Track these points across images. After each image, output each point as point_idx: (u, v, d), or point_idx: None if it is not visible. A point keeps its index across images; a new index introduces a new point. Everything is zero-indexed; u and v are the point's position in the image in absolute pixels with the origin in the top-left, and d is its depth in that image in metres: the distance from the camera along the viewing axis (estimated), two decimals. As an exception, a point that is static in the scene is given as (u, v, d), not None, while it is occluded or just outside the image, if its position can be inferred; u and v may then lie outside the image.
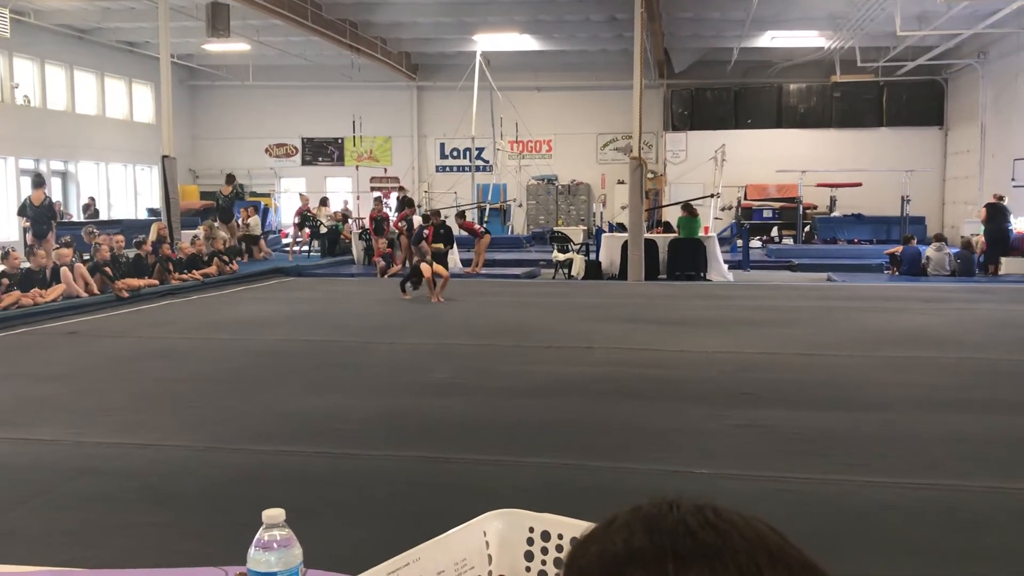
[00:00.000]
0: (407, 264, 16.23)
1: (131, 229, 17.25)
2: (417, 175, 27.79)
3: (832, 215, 24.43)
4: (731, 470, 4.70)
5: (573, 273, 16.65)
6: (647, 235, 16.48)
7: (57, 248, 12.81)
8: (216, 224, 17.76)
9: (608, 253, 16.84)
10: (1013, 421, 5.79)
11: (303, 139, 29.27)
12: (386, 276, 16.14)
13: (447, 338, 9.30)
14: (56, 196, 21.82)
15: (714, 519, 0.69)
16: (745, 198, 24.98)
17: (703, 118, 26.68)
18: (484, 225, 19.82)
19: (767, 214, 24.43)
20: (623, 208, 20.94)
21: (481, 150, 25.82)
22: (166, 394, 6.64)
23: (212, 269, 15.14)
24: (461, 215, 18.41)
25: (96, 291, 12.21)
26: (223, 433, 5.55)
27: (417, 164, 28.19)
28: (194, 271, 14.63)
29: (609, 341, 8.96)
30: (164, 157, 16.34)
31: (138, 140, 25.42)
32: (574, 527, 1.30)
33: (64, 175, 23.87)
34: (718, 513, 0.69)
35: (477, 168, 25.53)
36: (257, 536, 1.29)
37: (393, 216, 19.26)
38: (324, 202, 21.30)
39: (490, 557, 1.39)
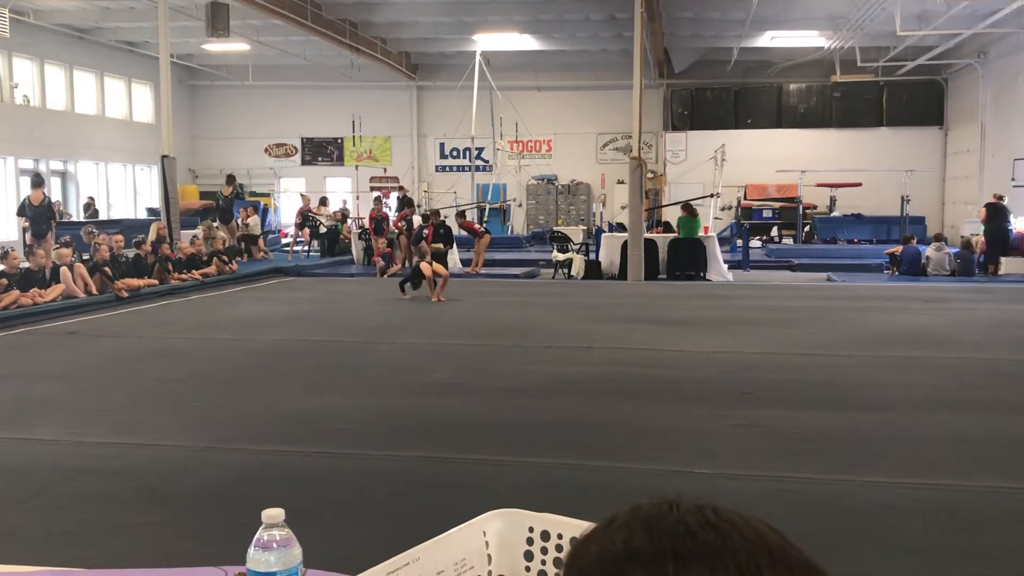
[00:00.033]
0: (406, 264, 16.24)
1: (130, 229, 17.24)
2: (417, 175, 27.78)
3: (832, 215, 24.43)
4: (731, 470, 4.69)
5: (573, 273, 16.65)
6: (647, 235, 16.48)
7: (57, 248, 12.80)
8: (215, 224, 17.76)
9: (608, 253, 16.84)
10: (1013, 421, 5.79)
11: (303, 139, 29.27)
12: (385, 276, 16.14)
13: (447, 338, 9.30)
14: (56, 196, 21.81)
15: (714, 519, 0.68)
16: (745, 198, 24.98)
17: (703, 118, 26.68)
18: (484, 225, 19.82)
19: (767, 214, 24.43)
20: (623, 208, 20.96)
21: (481, 150, 25.82)
22: (165, 394, 6.64)
23: (211, 269, 15.14)
24: (461, 215, 18.42)
25: (95, 291, 12.21)
26: (223, 433, 5.55)
27: (417, 164, 28.19)
28: (193, 271, 14.63)
29: (609, 341, 8.96)
30: (163, 157, 16.34)
31: (137, 140, 25.42)
32: (574, 527, 1.30)
33: (63, 175, 23.87)
34: (718, 513, 0.69)
35: (477, 168, 25.52)
36: (256, 536, 1.29)
37: (393, 216, 19.26)
38: (323, 202, 21.31)
39: (490, 557, 1.39)
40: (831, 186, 24.26)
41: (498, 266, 17.74)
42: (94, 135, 24.22)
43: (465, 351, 8.58)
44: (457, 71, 24.22)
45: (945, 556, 3.68)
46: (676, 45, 23.77)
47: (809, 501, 4.28)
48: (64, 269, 11.84)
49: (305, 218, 20.07)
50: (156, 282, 13.59)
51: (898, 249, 17.02)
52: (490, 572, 1.39)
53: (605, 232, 18.73)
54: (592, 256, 17.51)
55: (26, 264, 11.95)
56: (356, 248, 19.02)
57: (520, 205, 27.14)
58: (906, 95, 25.75)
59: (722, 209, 22.90)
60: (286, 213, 28.34)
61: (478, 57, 22.83)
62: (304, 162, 29.43)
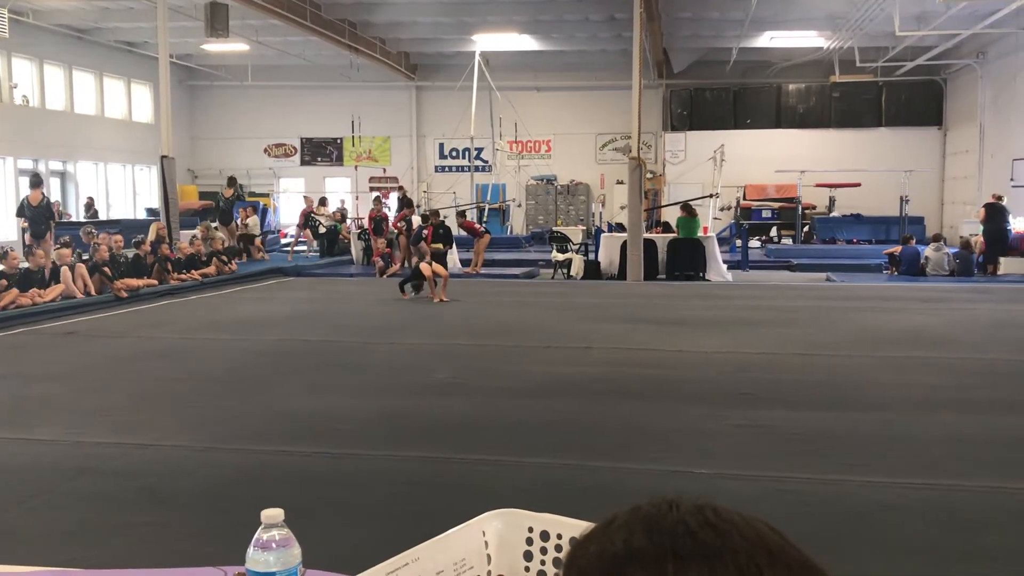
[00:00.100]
0: (406, 264, 16.24)
1: (130, 229, 17.24)
2: (416, 175, 27.78)
3: (831, 215, 24.44)
4: (731, 470, 4.70)
5: (572, 273, 16.65)
6: (646, 235, 16.48)
7: (57, 248, 12.80)
8: (214, 225, 17.76)
9: (607, 253, 16.84)
10: (1012, 421, 5.79)
11: (302, 139, 29.26)
12: (385, 276, 16.15)
13: (447, 338, 9.30)
14: (55, 196, 21.81)
15: (714, 519, 0.68)
16: (744, 198, 24.97)
17: (702, 118, 26.69)
18: (483, 225, 19.82)
19: (766, 214, 24.43)
20: (622, 208, 20.96)
21: (480, 150, 25.82)
22: (165, 394, 6.64)
23: (211, 269, 15.14)
24: (462, 215, 18.42)
25: (94, 291, 12.20)
26: (222, 433, 5.55)
27: (416, 164, 28.19)
28: (193, 271, 14.63)
29: (608, 341, 8.96)
30: (163, 157, 16.34)
31: (137, 140, 25.42)
32: (573, 527, 1.30)
33: (63, 175, 23.86)
34: (718, 513, 0.69)
35: (476, 168, 25.52)
36: (256, 536, 1.29)
37: (392, 216, 19.26)
38: (323, 202, 21.32)
39: (489, 557, 1.39)
40: (830, 186, 24.27)
41: (498, 266, 17.75)
42: (93, 135, 24.22)
43: (465, 351, 8.58)
44: (456, 71, 24.22)
45: (945, 556, 3.68)
46: (675, 45, 23.77)
47: (809, 501, 4.28)
48: (64, 269, 11.84)
49: (308, 219, 20.09)
50: (155, 282, 13.59)
51: (897, 249, 17.03)
52: (489, 572, 1.39)
53: (604, 232, 18.73)
54: (591, 256, 17.51)
55: (25, 264, 11.95)
56: (355, 248, 19.03)
57: (519, 205, 27.14)
58: (905, 95, 25.76)
59: (721, 209, 22.90)
60: (285, 213, 28.37)
61: (477, 57, 22.84)
62: (303, 162, 29.43)
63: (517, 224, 26.75)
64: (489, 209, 24.09)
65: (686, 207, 17.24)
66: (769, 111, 26.59)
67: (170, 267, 14.11)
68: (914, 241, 17.04)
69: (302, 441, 5.31)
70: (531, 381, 7.00)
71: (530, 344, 8.82)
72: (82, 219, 21.30)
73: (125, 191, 26.11)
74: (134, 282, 12.98)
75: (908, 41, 20.39)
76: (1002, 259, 16.40)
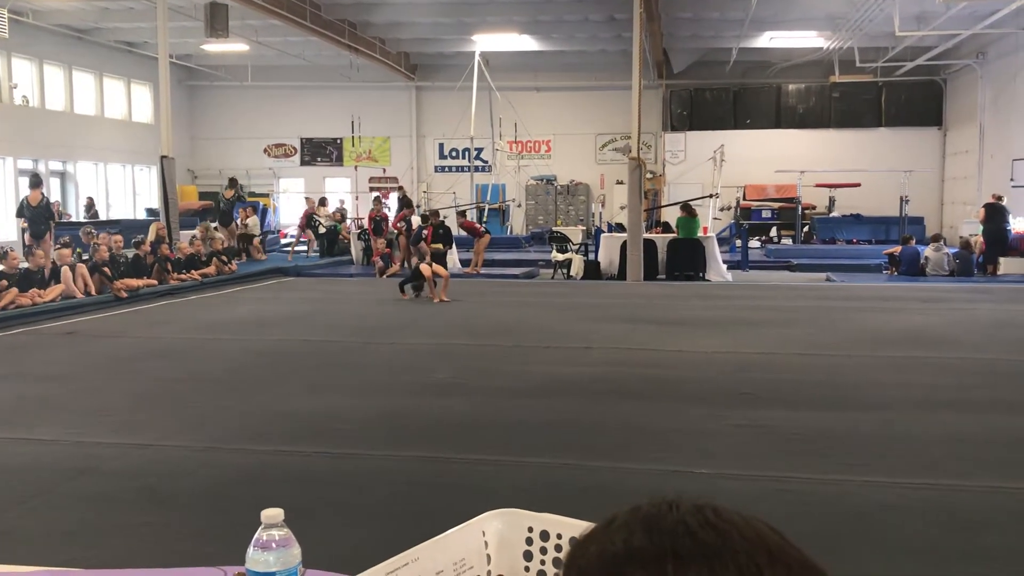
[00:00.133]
0: (405, 264, 16.24)
1: (129, 229, 17.24)
2: (416, 175, 27.78)
3: (831, 215, 24.44)
4: (731, 470, 4.70)
5: (572, 273, 16.65)
6: (646, 235, 16.48)
7: (57, 248, 12.80)
8: (214, 225, 17.76)
9: (607, 253, 16.84)
10: (1012, 421, 5.80)
11: (302, 139, 29.26)
12: (384, 276, 16.15)
13: (447, 338, 9.30)
14: (55, 196, 21.81)
15: (714, 519, 0.68)
16: (744, 198, 24.97)
17: (702, 118, 26.69)
18: (483, 225, 19.83)
19: (766, 214, 24.43)
20: (622, 208, 20.96)
21: (480, 150, 25.82)
22: (165, 394, 6.64)
23: (211, 269, 15.14)
24: (463, 214, 18.43)
25: (94, 291, 12.20)
26: (222, 433, 5.54)
27: (416, 164, 28.19)
28: (192, 271, 14.63)
29: (608, 341, 8.96)
30: (163, 157, 16.34)
31: (137, 140, 25.41)
32: (573, 527, 1.30)
33: (63, 175, 23.85)
34: (718, 513, 0.69)
35: (476, 168, 25.52)
36: (256, 536, 1.29)
37: (392, 216, 19.26)
38: (323, 202, 21.33)
39: (489, 557, 1.39)
40: (830, 186, 24.27)
41: (497, 266, 17.74)
42: (93, 135, 24.21)
43: (465, 351, 8.58)
44: (456, 71, 24.22)
45: (945, 556, 3.68)
46: (675, 46, 23.77)
47: (809, 501, 4.29)
48: (65, 269, 11.85)
49: (310, 220, 20.13)
50: (155, 282, 13.59)
51: (897, 249, 17.03)
52: (489, 572, 1.39)
53: (604, 232, 18.73)
54: (591, 256, 17.51)
55: (25, 264, 11.95)
56: (355, 248, 19.03)
57: (519, 205, 27.14)
58: (905, 95, 25.76)
59: (721, 209, 22.90)
60: (285, 213, 28.37)
61: (477, 57, 22.84)
62: (303, 162, 29.43)
63: (517, 224, 26.75)
64: (489, 209, 24.09)
65: (686, 207, 17.25)
66: (769, 111, 26.59)
67: (170, 267, 14.11)
68: (914, 241, 17.04)
69: (302, 441, 5.31)
70: (531, 381, 7.00)
71: (530, 344, 8.82)
72: (82, 219, 21.30)
73: (125, 191, 26.11)
74: (134, 282, 12.98)
75: (908, 41, 20.40)
76: (1002, 259, 16.40)
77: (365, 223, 19.06)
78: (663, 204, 23.81)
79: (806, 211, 24.01)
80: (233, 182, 19.97)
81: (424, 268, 12.37)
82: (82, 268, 12.18)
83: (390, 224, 18.31)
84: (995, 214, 16.57)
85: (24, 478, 4.66)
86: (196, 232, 16.60)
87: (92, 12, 20.83)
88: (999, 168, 20.56)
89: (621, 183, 23.23)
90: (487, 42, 23.01)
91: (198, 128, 28.91)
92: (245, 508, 3.10)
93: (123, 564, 3.40)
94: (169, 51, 17.49)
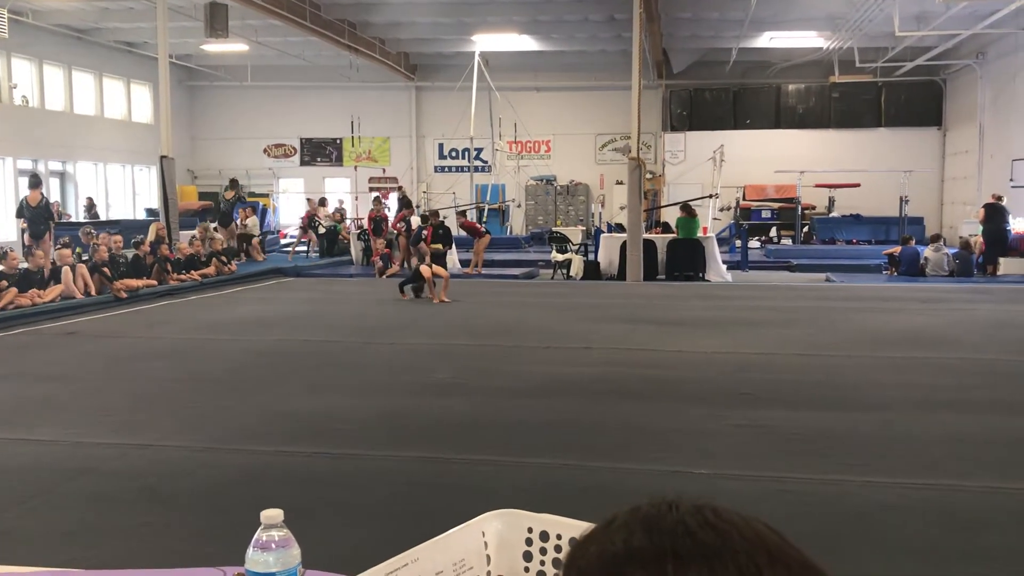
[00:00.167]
0: (405, 265, 16.24)
1: (129, 229, 17.24)
2: (416, 175, 27.79)
3: (831, 215, 24.44)
4: (731, 470, 4.70)
5: (572, 273, 16.65)
6: (646, 235, 16.48)
7: (58, 249, 12.80)
8: (213, 226, 17.76)
9: (607, 253, 16.85)
10: (1012, 421, 5.80)
11: (301, 139, 29.26)
12: (384, 276, 16.15)
13: (447, 338, 9.30)
14: (55, 196, 21.82)
15: (713, 519, 0.69)
16: (744, 198, 24.98)
17: (702, 118, 26.69)
18: (483, 225, 19.83)
19: (766, 214, 24.43)
20: (622, 208, 20.95)
21: (480, 150, 25.83)
22: (165, 394, 6.63)
23: (210, 270, 15.14)
24: (463, 214, 18.43)
25: (94, 292, 12.20)
26: (222, 433, 5.54)
27: (416, 164, 28.19)
28: (192, 272, 14.63)
29: (608, 341, 8.96)
30: (162, 157, 16.33)
31: (136, 140, 25.42)
32: (573, 527, 1.30)
33: (62, 175, 23.85)
34: (717, 513, 0.69)
35: (476, 168, 25.53)
36: (255, 536, 1.29)
37: (392, 217, 19.27)
38: (322, 202, 21.33)
39: (489, 557, 1.39)
40: (830, 187, 24.27)
41: (497, 266, 17.74)
42: (93, 136, 24.21)
43: (465, 351, 8.58)
44: (456, 71, 24.22)
45: (945, 556, 3.68)
46: (675, 46, 23.78)
47: (809, 501, 4.29)
48: (66, 269, 11.85)
49: (311, 221, 20.15)
50: (155, 283, 13.59)
51: (897, 250, 17.03)
52: (489, 573, 1.39)
53: (604, 233, 18.73)
54: (591, 257, 17.51)
55: (25, 265, 11.94)
56: (355, 249, 19.03)
57: (519, 206, 27.14)
58: (905, 96, 25.77)
59: (721, 210, 22.90)
60: (285, 214, 28.38)
61: (477, 58, 22.84)
62: (303, 163, 29.43)
63: (517, 224, 26.76)
64: (488, 209, 24.09)
65: (686, 207, 17.25)
66: (769, 111, 26.60)
67: (169, 267, 14.11)
68: (913, 241, 17.04)
69: (302, 441, 5.31)
70: (531, 381, 7.00)
71: (530, 344, 8.82)
72: (82, 220, 21.30)
73: (124, 191, 26.11)
74: (133, 282, 12.98)
75: (908, 41, 20.40)
76: (1001, 259, 16.40)
77: (365, 223, 19.06)
78: (663, 204, 23.81)
79: (806, 211, 24.01)
80: (234, 183, 19.98)
81: (424, 269, 12.37)
82: (82, 268, 12.18)
83: (390, 225, 18.30)
84: (995, 214, 16.57)
85: (24, 478, 4.66)
86: (195, 232, 16.60)
87: (92, 12, 20.83)
88: (999, 168, 20.56)
89: (621, 183, 23.22)
90: (487, 42, 23.01)
91: (198, 128, 28.91)
92: (245, 508, 3.10)
93: (123, 564, 3.40)
94: (169, 51, 17.49)
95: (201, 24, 18.02)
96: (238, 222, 19.37)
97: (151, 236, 15.01)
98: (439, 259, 13.10)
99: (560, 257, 17.16)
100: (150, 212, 23.82)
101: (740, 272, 17.43)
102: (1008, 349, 8.60)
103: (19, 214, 15.46)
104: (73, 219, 21.65)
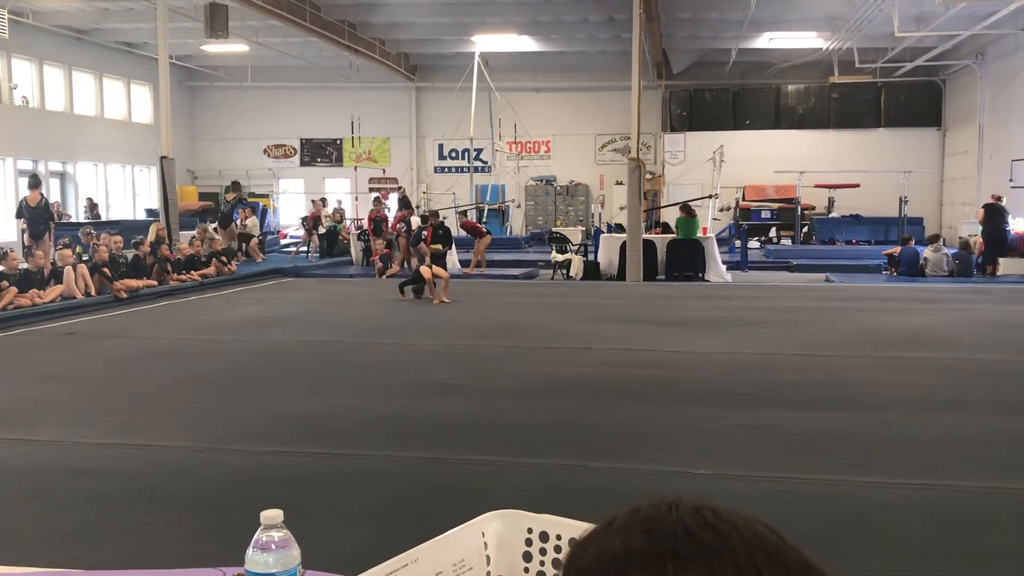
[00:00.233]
0: (405, 265, 16.23)
1: (129, 230, 17.25)
2: (416, 176, 27.79)
3: (830, 216, 24.44)
4: (730, 471, 4.70)
5: (571, 274, 16.65)
6: (645, 236, 16.48)
7: (58, 249, 12.81)
8: (213, 227, 17.76)
9: (606, 254, 16.85)
10: (1012, 421, 5.80)
11: (301, 140, 29.26)
12: (384, 277, 16.14)
13: (446, 338, 9.30)
14: (55, 197, 21.82)
15: (713, 520, 0.69)
16: (743, 199, 24.98)
17: (701, 119, 26.70)
18: (484, 225, 19.83)
19: (765, 215, 24.44)
20: (621, 209, 20.95)
21: (480, 151, 25.83)
22: (164, 395, 6.63)
23: (210, 270, 15.14)
24: (464, 214, 18.42)
25: (94, 292, 12.21)
26: (222, 434, 5.54)
27: (416, 165, 28.19)
28: (192, 272, 14.63)
29: (608, 342, 8.96)
30: (162, 158, 16.34)
31: (136, 141, 25.42)
32: (573, 528, 1.30)
33: (62, 176, 23.86)
34: (717, 514, 0.69)
35: (476, 169, 25.53)
36: (255, 537, 1.29)
37: (392, 217, 19.27)
38: (323, 202, 21.33)
39: (488, 558, 1.39)
40: (829, 187, 24.27)
41: (497, 267, 17.74)
42: (93, 136, 24.22)
43: (464, 351, 8.58)
44: (456, 72, 24.23)
45: (945, 556, 3.68)
46: (674, 46, 23.78)
47: (809, 502, 4.29)
48: (68, 269, 11.86)
49: (316, 223, 20.17)
50: (155, 283, 13.59)
51: (896, 250, 17.03)
52: (488, 573, 1.39)
53: (604, 233, 18.74)
54: (591, 257, 17.51)
55: (24, 265, 11.95)
56: (355, 249, 19.03)
57: (519, 206, 27.15)
58: (904, 96, 25.77)
59: (720, 210, 22.90)
60: (285, 214, 28.38)
61: (477, 58, 22.84)
62: (303, 163, 29.43)
63: (516, 225, 26.76)
64: (488, 210, 24.09)
65: (685, 208, 17.25)
66: (768, 112, 26.60)
67: (170, 268, 14.11)
68: (913, 242, 17.04)
69: (302, 442, 5.31)
70: (531, 381, 7.00)
71: (530, 345, 8.82)
72: (83, 220, 21.30)
73: (125, 192, 26.11)
74: (133, 283, 12.98)
75: (907, 42, 20.40)
76: (1001, 260, 16.40)
77: (365, 224, 19.06)
78: (662, 205, 23.80)
79: (805, 212, 24.01)
80: (236, 185, 20.00)
81: (424, 270, 12.37)
82: (82, 268, 12.18)
83: (390, 225, 18.31)
84: (994, 215, 16.57)
85: (24, 478, 4.66)
86: (195, 233, 16.61)
87: (92, 13, 20.83)
88: (998, 169, 20.57)
89: (620, 184, 23.22)
90: (487, 43, 23.01)
91: (198, 129, 28.92)
92: (244, 509, 3.10)
93: (122, 565, 3.40)
94: (169, 52, 17.49)
95: (201, 24, 18.02)
96: (238, 223, 19.38)
97: (151, 236, 15.01)
98: (439, 260, 13.10)
99: (560, 257, 17.16)
100: (150, 212, 23.83)
101: (740, 272, 17.43)
102: (1008, 349, 8.60)
103: (19, 214, 15.46)
104: (73, 219, 21.65)
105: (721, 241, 18.97)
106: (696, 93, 26.90)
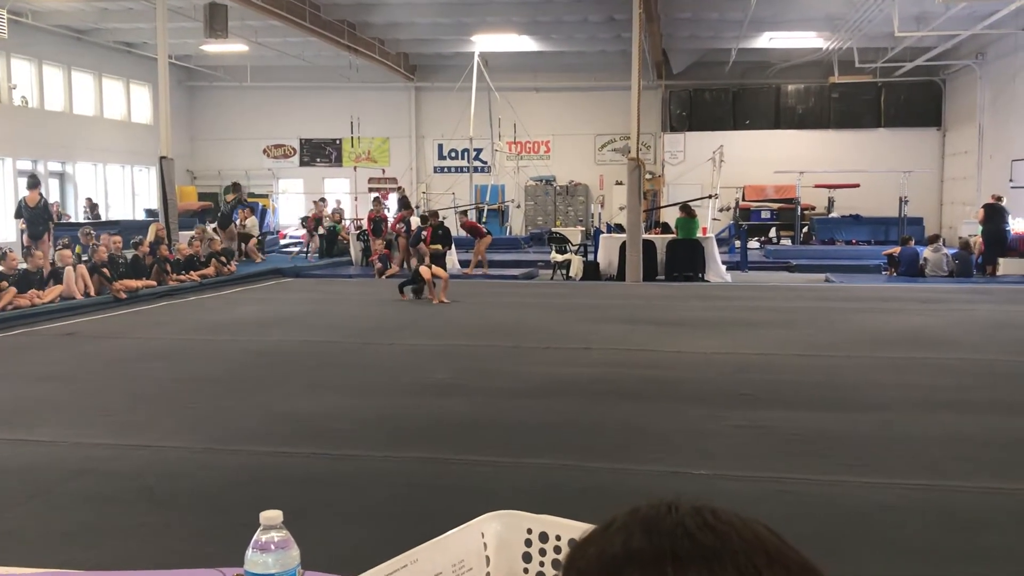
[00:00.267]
0: (404, 266, 16.23)
1: (129, 230, 17.24)
2: (415, 176, 27.78)
3: (830, 216, 24.44)
4: (730, 471, 4.69)
5: (571, 274, 16.65)
6: (645, 236, 16.48)
7: (58, 249, 12.80)
8: (212, 227, 17.75)
9: (606, 254, 16.84)
10: (1012, 422, 5.80)
11: (301, 140, 29.26)
12: (383, 277, 16.14)
13: (446, 338, 9.30)
14: (54, 197, 21.82)
15: (712, 520, 0.68)
16: (743, 199, 24.98)
17: (701, 119, 26.70)
18: (484, 225, 19.83)
19: (765, 215, 24.43)
20: (621, 209, 20.95)
21: (479, 151, 25.83)
22: (164, 395, 6.63)
23: (210, 270, 15.13)
24: (464, 214, 18.42)
25: (94, 292, 12.20)
26: (221, 434, 5.54)
27: (415, 165, 28.19)
28: (191, 272, 14.63)
29: (607, 342, 8.96)
30: (162, 158, 16.33)
31: (136, 141, 25.42)
32: (572, 528, 1.30)
33: (62, 176, 23.86)
34: (716, 515, 0.69)
35: (475, 169, 25.53)
36: (255, 537, 1.29)
37: (391, 217, 19.27)
38: (322, 202, 21.33)
39: (488, 559, 1.39)
40: (829, 187, 24.28)
41: (497, 267, 17.74)
42: (92, 136, 24.21)
43: (464, 352, 8.58)
44: (455, 72, 24.23)
45: (945, 556, 3.68)
46: (674, 46, 23.78)
47: (808, 502, 4.28)
48: (68, 269, 11.86)
49: (317, 224, 20.17)
50: (154, 283, 13.59)
51: (896, 250, 17.03)
52: (488, 574, 1.39)
53: (603, 233, 18.74)
54: (590, 257, 17.51)
55: (24, 265, 11.94)
56: (354, 249, 19.03)
57: (518, 206, 27.15)
58: (904, 96, 25.78)
59: (720, 210, 22.89)
60: (284, 214, 28.37)
61: (476, 58, 22.84)
62: (302, 163, 29.43)
63: (516, 225, 26.76)
64: (488, 210, 24.09)
65: (685, 208, 17.25)
66: (768, 112, 26.60)
67: (169, 268, 14.11)
68: (913, 242, 17.04)
69: (301, 442, 5.31)
70: (531, 382, 7.00)
71: (529, 345, 8.82)
72: (82, 220, 21.30)
73: (124, 192, 26.11)
74: (133, 283, 12.97)
75: (907, 42, 20.40)
76: (1001, 260, 16.40)
77: (364, 224, 19.06)
78: (662, 205, 23.80)
79: (805, 212, 24.01)
80: (236, 187, 19.99)
81: (424, 271, 12.37)
82: (82, 269, 12.18)
83: (389, 225, 18.31)
84: (994, 215, 16.57)
85: (23, 478, 4.66)
86: (194, 233, 16.61)
87: (91, 13, 20.83)
88: (998, 169, 20.57)
89: (620, 184, 23.22)
90: (486, 42, 23.01)
91: (197, 129, 28.91)
92: (244, 509, 3.11)
93: (122, 565, 3.40)
94: (168, 52, 17.50)
95: (201, 24, 18.02)
96: (237, 223, 19.37)
97: (150, 237, 15.00)
98: (438, 260, 13.10)
99: (559, 258, 17.16)
100: (149, 213, 23.82)
101: (739, 272, 17.43)
102: (1007, 349, 8.60)
103: (18, 215, 15.47)
104: (72, 220, 21.65)
105: (721, 241, 18.97)
106: (696, 93, 26.91)
